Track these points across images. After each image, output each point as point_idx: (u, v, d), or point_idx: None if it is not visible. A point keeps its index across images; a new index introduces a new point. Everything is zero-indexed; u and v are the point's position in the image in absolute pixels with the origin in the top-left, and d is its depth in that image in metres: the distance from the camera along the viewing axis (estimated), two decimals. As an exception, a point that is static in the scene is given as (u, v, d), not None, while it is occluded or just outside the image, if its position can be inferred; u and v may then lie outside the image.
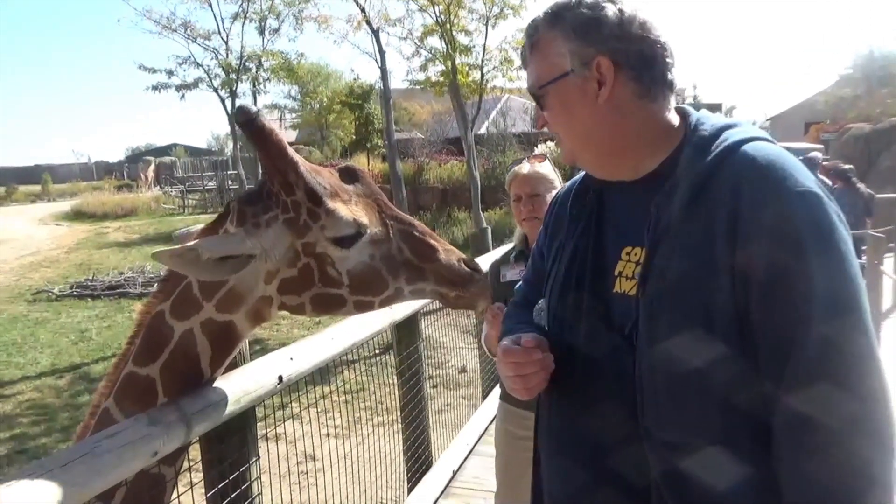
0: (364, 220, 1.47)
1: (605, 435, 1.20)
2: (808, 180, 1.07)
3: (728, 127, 1.18)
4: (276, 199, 1.43)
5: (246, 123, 1.39)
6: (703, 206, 1.10)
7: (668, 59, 1.19)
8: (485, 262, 4.72)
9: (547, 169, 2.56)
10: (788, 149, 1.15)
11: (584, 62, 1.17)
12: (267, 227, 1.43)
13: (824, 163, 9.72)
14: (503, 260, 2.71)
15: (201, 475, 1.87)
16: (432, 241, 1.54)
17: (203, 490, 1.84)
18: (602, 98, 1.17)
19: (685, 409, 1.11)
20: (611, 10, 1.16)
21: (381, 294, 1.51)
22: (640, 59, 1.17)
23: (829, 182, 8.29)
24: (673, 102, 1.24)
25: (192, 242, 1.35)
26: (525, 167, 2.56)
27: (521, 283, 1.66)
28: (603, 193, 1.33)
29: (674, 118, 1.23)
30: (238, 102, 19.25)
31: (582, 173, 1.44)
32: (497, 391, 5.31)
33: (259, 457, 1.95)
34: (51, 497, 1.12)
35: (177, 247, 1.34)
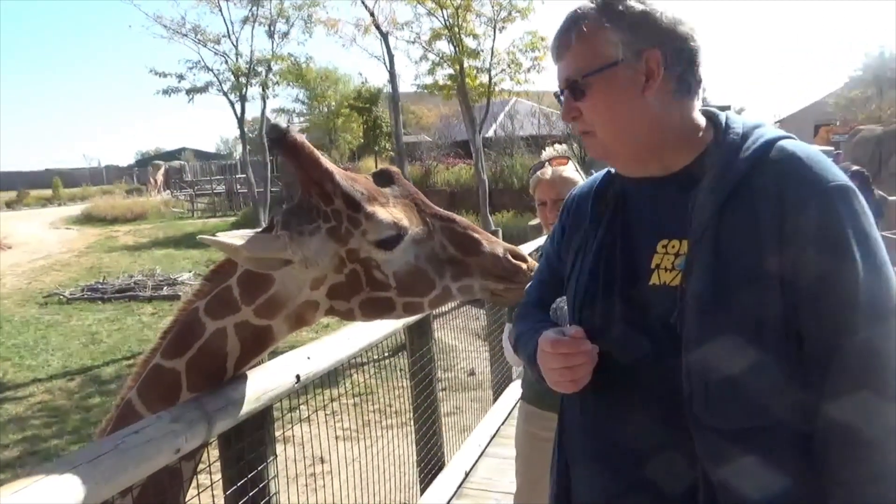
0: (404, 220, 1.47)
1: (640, 442, 1.20)
2: (842, 174, 1.12)
3: (758, 126, 1.22)
4: (317, 209, 1.45)
5: (278, 140, 1.41)
6: (747, 199, 1.13)
7: (700, 62, 1.23)
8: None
9: (570, 171, 2.55)
10: None
11: (636, 53, 1.18)
12: (310, 236, 1.45)
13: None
14: None
15: (219, 475, 1.88)
16: (475, 235, 1.52)
17: (221, 488, 1.85)
18: (649, 91, 1.19)
19: (730, 396, 1.12)
20: (661, 6, 1.19)
21: (428, 294, 1.50)
22: (684, 58, 1.20)
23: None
24: (699, 104, 1.27)
25: (238, 241, 1.38)
26: (548, 172, 2.55)
27: (530, 283, 1.63)
28: (625, 192, 1.34)
29: (701, 118, 1.26)
30: (248, 106, 19.36)
31: (600, 173, 1.45)
32: (510, 393, 5.35)
33: (276, 455, 1.96)
34: (79, 492, 1.13)
35: (223, 239, 1.38)
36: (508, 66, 15.99)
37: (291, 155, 1.42)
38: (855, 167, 9.28)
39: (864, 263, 1.06)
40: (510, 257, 1.51)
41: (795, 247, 1.07)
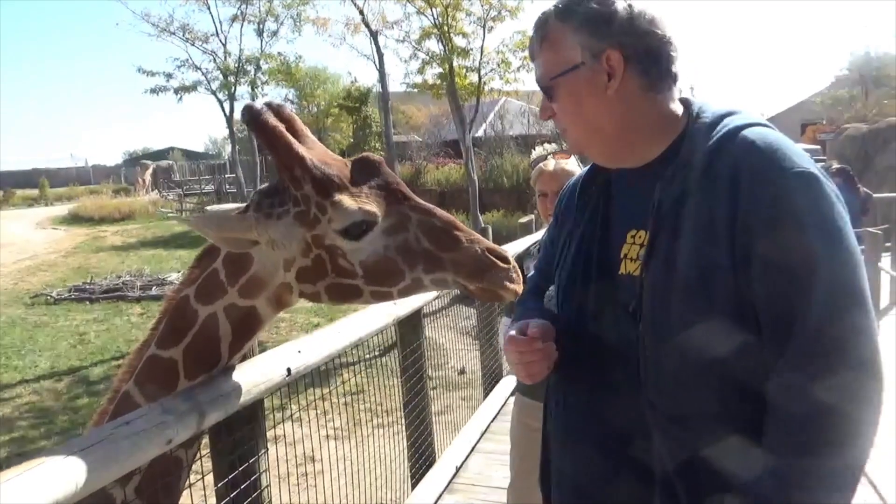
0: (373, 210, 1.44)
1: (627, 423, 1.21)
2: (806, 161, 1.11)
3: (729, 114, 1.22)
4: (288, 192, 1.46)
5: (251, 121, 1.41)
6: (705, 188, 1.14)
7: (672, 54, 1.22)
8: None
9: (572, 165, 2.59)
10: None
11: (595, 55, 1.20)
12: (278, 219, 1.46)
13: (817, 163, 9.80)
14: (526, 253, 2.74)
15: (210, 466, 1.89)
16: (455, 231, 1.47)
17: (213, 480, 1.86)
18: (611, 90, 1.20)
19: (687, 383, 1.15)
20: (620, 5, 1.19)
21: (397, 284, 1.48)
22: (648, 54, 1.20)
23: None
24: (677, 94, 1.27)
25: (208, 217, 1.42)
26: (551, 164, 2.58)
27: (532, 271, 1.70)
28: (610, 182, 1.36)
29: (677, 108, 1.27)
30: (237, 105, 19.26)
31: (589, 165, 1.47)
32: (500, 389, 5.38)
33: (267, 449, 1.96)
34: (71, 481, 1.14)
35: (200, 215, 1.41)
36: (498, 65, 16.04)
37: (264, 137, 1.42)
38: (838, 165, 9.36)
39: (825, 249, 1.05)
40: (488, 255, 1.45)
41: (751, 226, 1.08)
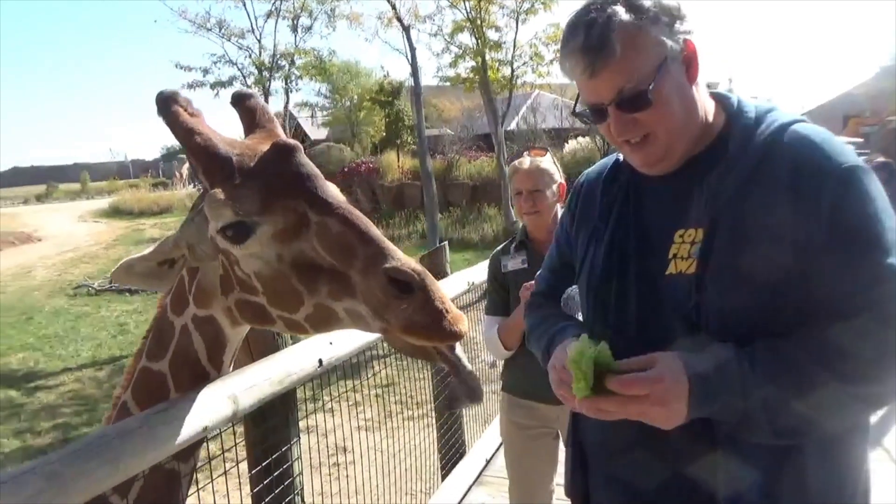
0: (247, 206, 1.15)
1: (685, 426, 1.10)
2: (853, 155, 1.14)
3: (770, 110, 1.22)
4: None
5: (157, 107, 1.26)
6: (762, 183, 1.13)
7: None
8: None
9: (547, 163, 2.57)
10: None
11: (678, 44, 1.16)
12: (193, 219, 1.30)
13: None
14: (504, 250, 2.72)
15: (244, 454, 1.93)
16: (352, 239, 1.11)
17: (247, 468, 1.90)
18: (694, 79, 1.19)
19: None
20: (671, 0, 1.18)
21: (298, 310, 1.17)
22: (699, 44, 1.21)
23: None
24: None
25: (129, 258, 1.29)
26: (525, 162, 2.56)
27: (541, 271, 1.63)
28: (637, 183, 1.33)
29: (711, 102, 1.26)
30: (272, 100, 19.47)
31: (609, 158, 1.44)
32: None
33: (300, 438, 2.00)
34: (110, 466, 1.18)
35: (122, 261, 1.29)
36: (531, 58, 15.95)
37: (169, 127, 1.25)
38: (881, 158, 9.09)
39: (879, 243, 1.07)
40: (386, 282, 1.06)
41: (810, 229, 1.08)
